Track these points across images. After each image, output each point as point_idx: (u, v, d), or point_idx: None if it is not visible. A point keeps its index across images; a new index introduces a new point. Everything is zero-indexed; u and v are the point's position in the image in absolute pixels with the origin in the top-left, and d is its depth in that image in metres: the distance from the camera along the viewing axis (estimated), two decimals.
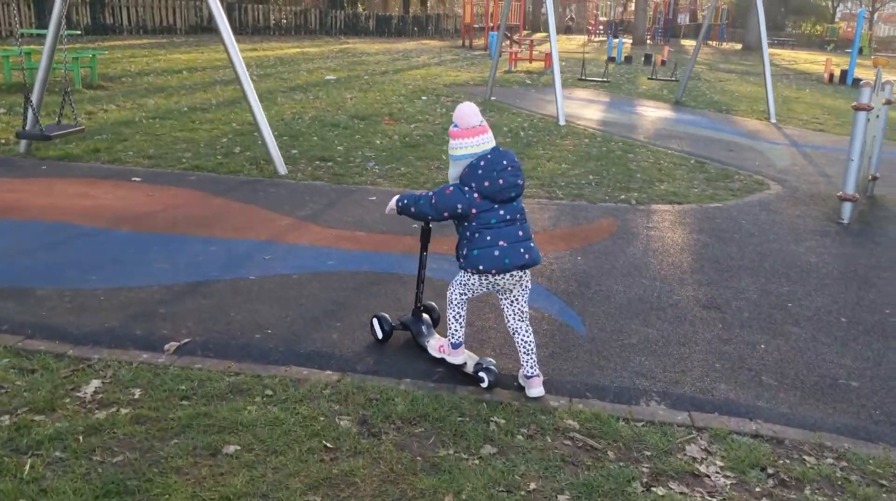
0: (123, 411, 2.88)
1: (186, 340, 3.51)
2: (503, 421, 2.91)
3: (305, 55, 20.02)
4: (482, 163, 2.98)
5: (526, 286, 3.15)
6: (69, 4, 6.91)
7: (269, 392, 3.06)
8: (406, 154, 7.95)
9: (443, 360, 3.33)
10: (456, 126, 3.05)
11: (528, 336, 3.15)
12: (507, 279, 3.07)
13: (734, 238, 5.64)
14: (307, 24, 29.16)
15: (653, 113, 12.53)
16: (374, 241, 5.13)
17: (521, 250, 3.02)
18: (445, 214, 3.05)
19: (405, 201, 3.17)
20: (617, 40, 23.73)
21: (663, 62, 19.03)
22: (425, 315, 3.62)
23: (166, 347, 3.44)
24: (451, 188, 3.04)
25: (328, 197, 6.20)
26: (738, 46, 34.87)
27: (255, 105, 6.96)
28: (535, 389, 3.11)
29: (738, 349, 3.75)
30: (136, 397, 2.99)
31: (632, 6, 39.85)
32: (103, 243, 4.83)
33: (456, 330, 3.25)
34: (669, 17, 37.61)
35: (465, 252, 3.07)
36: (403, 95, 12.68)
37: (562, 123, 10.50)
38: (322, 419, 2.86)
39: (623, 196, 6.66)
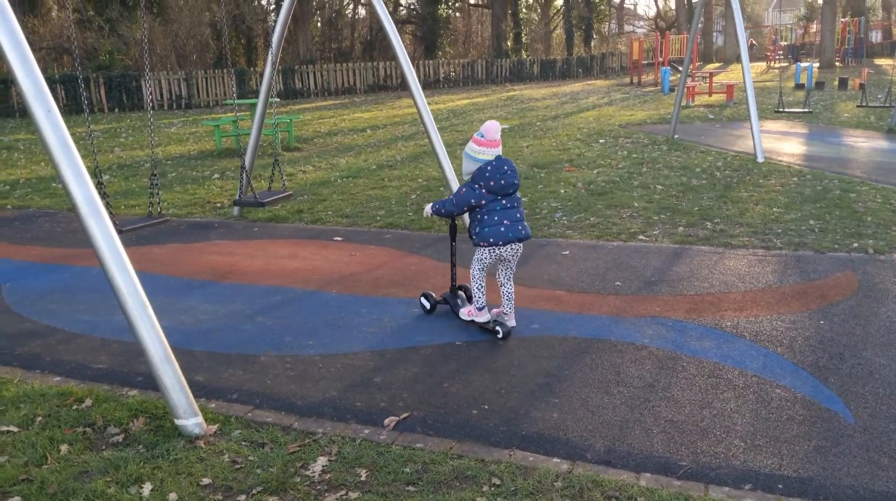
0: (352, 495, 2.82)
1: (405, 414, 3.44)
2: None
3: (475, 105, 20.49)
4: (489, 167, 4.13)
5: (517, 255, 4.30)
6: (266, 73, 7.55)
7: (497, 481, 2.86)
8: (594, 203, 7.64)
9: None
10: (482, 136, 4.15)
11: (511, 288, 4.40)
12: (508, 250, 4.23)
13: None
14: (474, 75, 30.04)
15: (864, 144, 11.11)
16: (576, 301, 4.86)
17: (519, 228, 4.20)
18: (465, 208, 4.24)
19: (436, 207, 4.37)
20: (806, 65, 21.77)
21: (861, 86, 17.01)
22: (460, 292, 4.70)
23: (386, 422, 3.39)
24: (465, 189, 4.23)
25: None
26: None
27: (444, 161, 7.04)
28: (511, 321, 4.39)
29: None
30: (363, 479, 2.93)
31: (813, 28, 36.61)
32: (315, 305, 5.01)
33: (479, 297, 4.36)
34: (860, 35, 34.00)
35: (477, 230, 4.21)
36: (580, 139, 12.41)
37: (760, 159, 9.62)
38: None
39: (856, 244, 5.82)
